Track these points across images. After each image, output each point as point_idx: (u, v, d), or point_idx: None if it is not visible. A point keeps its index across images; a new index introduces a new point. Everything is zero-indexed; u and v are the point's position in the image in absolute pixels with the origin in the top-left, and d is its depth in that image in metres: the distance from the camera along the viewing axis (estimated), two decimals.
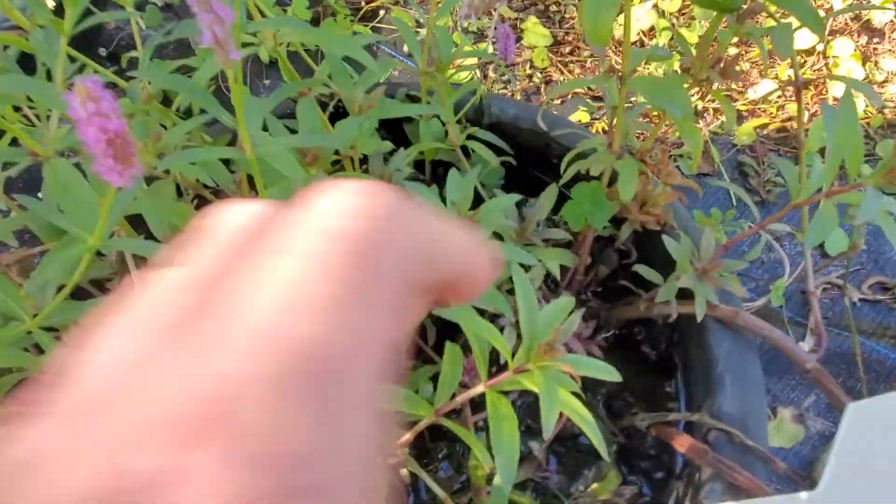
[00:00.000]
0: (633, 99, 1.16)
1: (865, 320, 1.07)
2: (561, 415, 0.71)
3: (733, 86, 1.32)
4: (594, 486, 0.69)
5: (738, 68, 0.64)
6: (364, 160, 0.74)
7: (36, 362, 0.47)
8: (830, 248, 1.15)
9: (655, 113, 1.19)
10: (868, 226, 1.18)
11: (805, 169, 0.68)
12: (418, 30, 1.44)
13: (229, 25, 0.36)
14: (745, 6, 0.60)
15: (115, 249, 0.51)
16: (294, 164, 0.52)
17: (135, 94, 0.67)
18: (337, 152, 0.68)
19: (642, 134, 0.91)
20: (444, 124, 0.86)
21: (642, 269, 0.72)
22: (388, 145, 0.74)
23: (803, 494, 0.49)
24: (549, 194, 0.75)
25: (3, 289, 0.45)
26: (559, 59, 1.41)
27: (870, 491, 0.44)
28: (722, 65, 0.62)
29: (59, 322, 0.49)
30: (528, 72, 1.39)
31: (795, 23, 0.58)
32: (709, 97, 1.31)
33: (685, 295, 0.70)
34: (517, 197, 0.63)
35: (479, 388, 0.47)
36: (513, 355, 0.48)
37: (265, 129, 0.61)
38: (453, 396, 0.52)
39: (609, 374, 0.44)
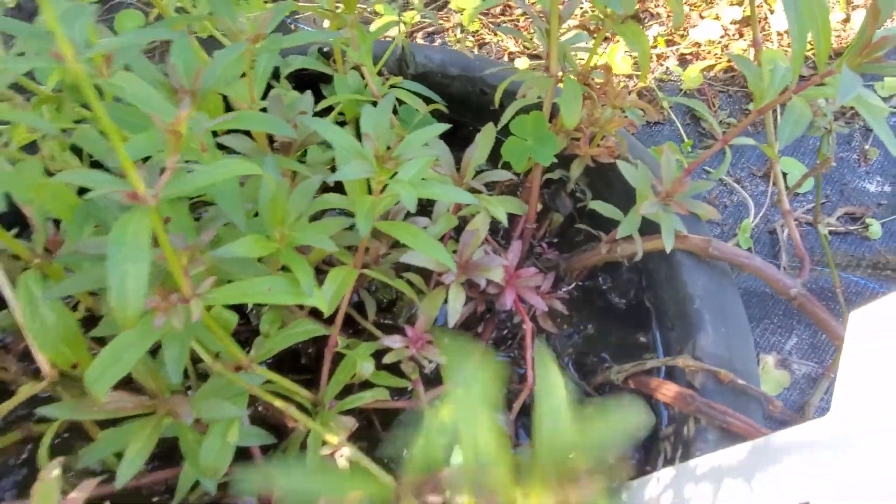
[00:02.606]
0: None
1: (838, 253, 1.01)
2: (527, 377, 0.61)
3: (674, 28, 1.26)
4: (572, 455, 0.60)
5: None
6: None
7: None
8: (793, 182, 1.09)
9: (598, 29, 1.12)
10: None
11: (767, 71, 0.60)
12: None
13: None
14: None
15: None
16: (158, 100, 0.42)
17: None
18: (231, 107, 0.58)
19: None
20: (363, 77, 0.76)
21: (599, 205, 0.63)
22: (295, 94, 0.65)
23: (810, 424, 0.41)
24: (487, 134, 0.66)
25: None
26: (490, 20, 1.33)
27: (881, 404, 0.36)
28: None
29: None
30: (459, 36, 1.31)
31: None
32: (650, 43, 1.25)
33: (650, 230, 0.62)
34: (444, 126, 0.54)
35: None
36: None
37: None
38: None
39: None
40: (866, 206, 1.06)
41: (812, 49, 1.22)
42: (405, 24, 1.30)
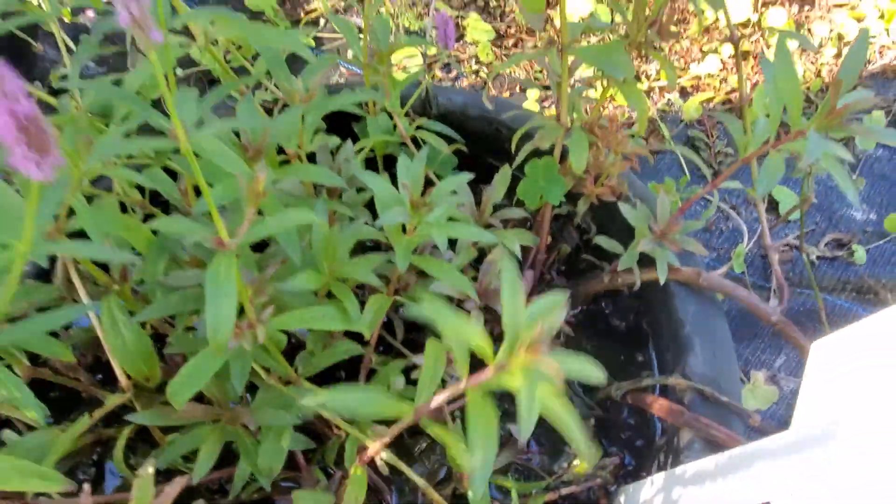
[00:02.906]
0: (577, 76, 1.17)
1: (826, 277, 1.09)
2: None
3: (675, 62, 1.34)
4: (576, 461, 0.68)
5: (673, 29, 0.65)
6: (312, 158, 0.73)
7: None
8: (785, 210, 1.17)
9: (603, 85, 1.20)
10: (820, 186, 1.21)
11: (750, 125, 0.69)
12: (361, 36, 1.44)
13: (147, 3, 0.34)
14: None
15: (49, 253, 0.49)
16: (235, 159, 0.51)
17: (65, 108, 0.65)
18: (283, 152, 0.67)
19: (590, 107, 0.91)
20: (392, 118, 0.85)
21: (602, 241, 0.72)
22: (336, 140, 0.73)
23: (774, 437, 0.49)
24: (503, 176, 0.75)
25: None
26: (504, 52, 1.41)
27: (835, 426, 0.44)
28: (658, 26, 0.63)
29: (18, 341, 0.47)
30: (475, 67, 1.40)
31: None
32: (654, 77, 1.33)
33: (647, 262, 0.70)
34: (469, 175, 0.62)
35: (459, 387, 0.46)
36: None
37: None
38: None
39: (595, 377, 0.42)
40: (852, 232, 1.14)
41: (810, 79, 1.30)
42: (426, 54, 1.39)
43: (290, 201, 0.65)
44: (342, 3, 1.53)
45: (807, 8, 1.42)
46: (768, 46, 1.39)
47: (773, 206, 1.18)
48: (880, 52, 1.35)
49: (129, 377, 0.63)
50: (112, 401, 0.59)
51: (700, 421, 0.62)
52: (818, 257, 1.11)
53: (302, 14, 1.50)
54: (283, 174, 0.56)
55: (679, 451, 0.63)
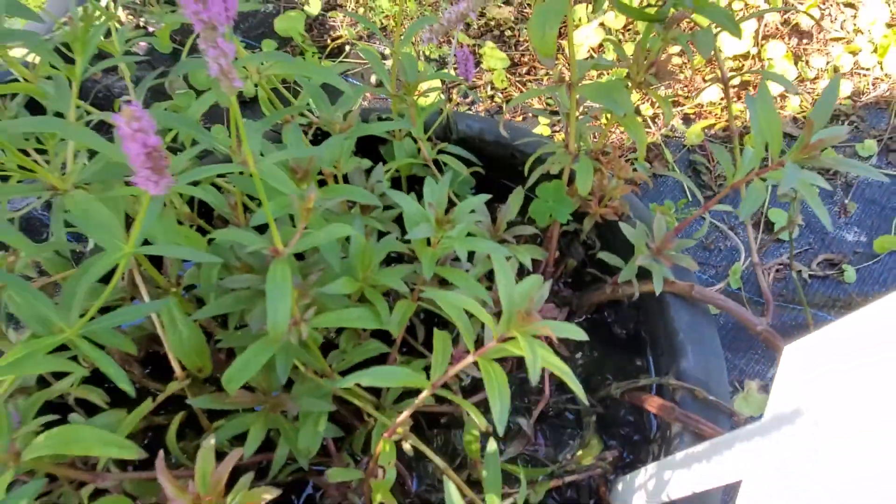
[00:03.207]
0: (585, 105, 1.25)
1: (817, 294, 1.16)
2: (544, 391, 0.78)
3: (679, 91, 1.43)
4: (579, 453, 0.76)
5: (670, 69, 0.73)
6: (345, 179, 0.82)
7: (75, 367, 0.53)
8: (778, 228, 1.24)
9: (606, 118, 1.28)
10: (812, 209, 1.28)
11: (739, 155, 0.77)
12: (384, 62, 1.53)
13: (232, 58, 0.43)
14: (669, 16, 0.70)
15: (150, 254, 0.58)
16: (288, 181, 0.59)
17: None
18: (320, 172, 0.75)
19: (597, 136, 0.99)
20: (416, 142, 0.93)
21: (605, 256, 0.80)
22: (368, 162, 0.82)
23: (747, 428, 0.57)
24: (517, 196, 0.83)
25: (44, 303, 0.51)
26: (517, 79, 1.50)
27: (802, 422, 0.52)
28: (655, 68, 0.71)
29: (91, 332, 0.55)
30: (490, 93, 1.49)
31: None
32: (658, 104, 1.42)
33: (646, 275, 0.78)
34: (486, 196, 0.70)
35: (469, 359, 0.54)
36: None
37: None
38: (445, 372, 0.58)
39: (577, 333, 0.51)
40: (843, 253, 1.21)
41: (802, 111, 1.38)
42: (444, 81, 1.48)
43: (329, 216, 0.74)
44: (366, 31, 1.63)
45: (805, 41, 1.51)
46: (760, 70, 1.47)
47: (769, 226, 1.25)
48: (874, 84, 1.43)
49: (183, 369, 0.72)
50: (171, 387, 0.67)
51: (690, 417, 0.69)
52: (811, 276, 1.19)
53: (329, 41, 1.59)
54: (329, 194, 0.65)
55: (671, 444, 0.70)
